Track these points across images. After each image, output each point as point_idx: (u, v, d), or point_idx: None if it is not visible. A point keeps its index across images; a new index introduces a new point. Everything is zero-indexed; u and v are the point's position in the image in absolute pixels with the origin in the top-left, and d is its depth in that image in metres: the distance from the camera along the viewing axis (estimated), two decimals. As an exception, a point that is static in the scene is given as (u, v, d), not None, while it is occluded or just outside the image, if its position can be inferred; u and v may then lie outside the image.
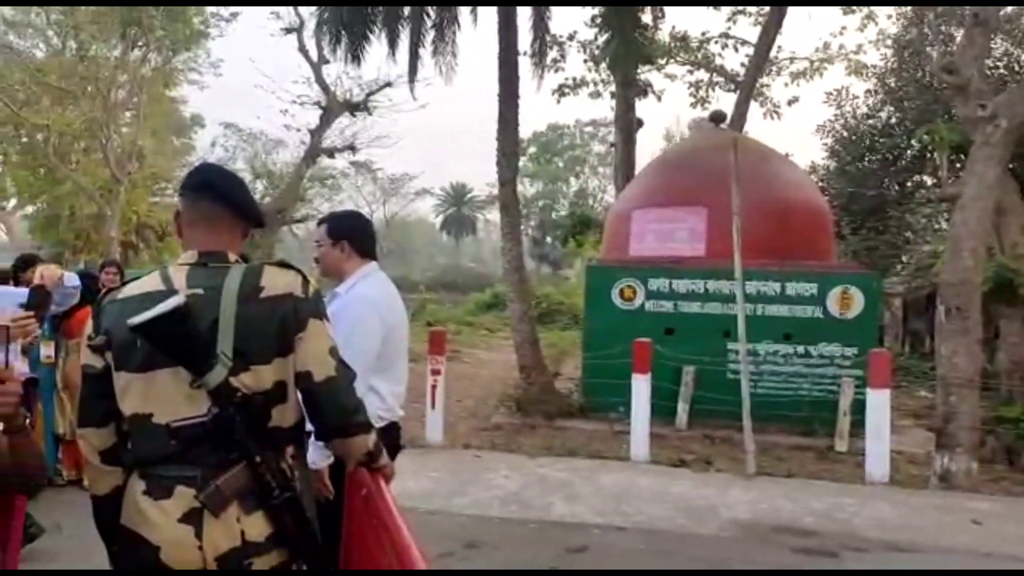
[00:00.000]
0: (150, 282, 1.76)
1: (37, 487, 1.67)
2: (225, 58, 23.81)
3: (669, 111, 64.31)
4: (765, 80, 16.94)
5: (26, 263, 4.64)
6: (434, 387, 7.00)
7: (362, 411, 1.81)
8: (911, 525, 4.99)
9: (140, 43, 19.63)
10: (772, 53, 14.82)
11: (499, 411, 8.53)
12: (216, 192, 1.81)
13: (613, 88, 15.49)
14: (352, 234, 2.75)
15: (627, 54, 10.49)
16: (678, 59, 17.29)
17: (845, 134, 15.92)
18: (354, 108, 23.87)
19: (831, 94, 16.38)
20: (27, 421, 1.53)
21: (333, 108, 23.64)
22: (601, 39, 13.12)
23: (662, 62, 16.91)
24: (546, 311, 18.84)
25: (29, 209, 23.84)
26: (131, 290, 1.76)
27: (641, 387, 6.65)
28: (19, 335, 2.57)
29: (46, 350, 4.89)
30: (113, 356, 1.72)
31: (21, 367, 2.10)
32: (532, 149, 46.10)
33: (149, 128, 21.39)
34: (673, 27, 16.98)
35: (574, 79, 16.89)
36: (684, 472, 6.18)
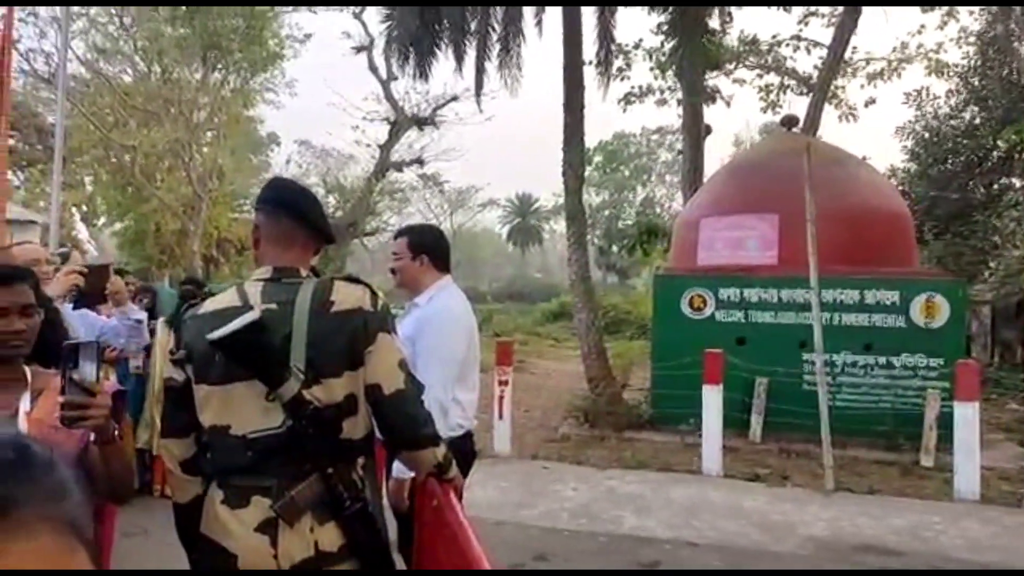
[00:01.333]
0: (227, 297, 1.82)
1: (127, 495, 1.74)
2: (299, 78, 24.67)
3: (738, 116, 63.10)
4: (840, 82, 16.42)
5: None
6: (501, 398, 7.02)
7: (431, 423, 1.83)
8: (1004, 545, 4.71)
9: (220, 66, 20.51)
10: (847, 54, 14.37)
11: (566, 422, 8.48)
12: (295, 211, 1.87)
13: (680, 95, 15.29)
14: (430, 248, 2.80)
15: (694, 60, 10.35)
16: (747, 63, 16.96)
17: (926, 136, 15.26)
18: (421, 122, 24.31)
19: (910, 95, 15.74)
20: (115, 432, 1.60)
21: (401, 123, 24.13)
22: (667, 46, 12.99)
23: (731, 67, 16.61)
24: (613, 321, 18.66)
25: (118, 226, 25.11)
26: (210, 305, 1.83)
27: (713, 399, 6.51)
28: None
29: (135, 362, 5.12)
30: (193, 369, 1.78)
31: (111, 380, 2.19)
32: (597, 158, 45.84)
33: (228, 147, 22.28)
34: (742, 31, 16.67)
35: (640, 87, 16.78)
36: (759, 487, 6.00)
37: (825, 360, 6.40)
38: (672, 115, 40.64)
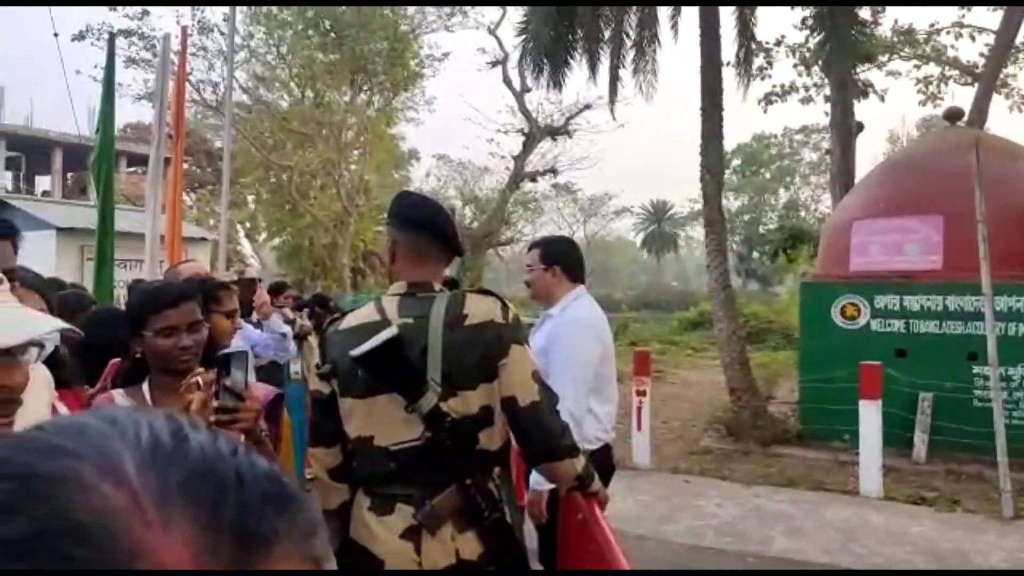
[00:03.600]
0: (366, 312, 1.89)
1: None
2: (438, 95, 25.58)
3: (893, 111, 58.84)
4: (1010, 70, 14.95)
5: (276, 289, 5.25)
6: (640, 408, 6.90)
7: (568, 435, 1.81)
8: None
9: (365, 88, 21.65)
10: (1018, 39, 13.06)
11: (708, 434, 8.20)
12: (433, 229, 1.91)
13: (827, 91, 14.48)
14: (563, 259, 2.80)
15: (843, 54, 9.77)
16: (902, 54, 15.82)
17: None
18: (555, 132, 24.48)
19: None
20: (263, 434, 1.70)
21: (535, 134, 24.40)
22: (812, 41, 12.35)
23: (884, 59, 15.54)
24: (755, 330, 17.86)
25: (276, 241, 27.01)
26: (351, 321, 1.90)
27: (870, 414, 6.06)
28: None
29: (295, 367, 5.46)
30: (338, 383, 1.86)
31: (264, 386, 2.35)
32: (736, 161, 44.31)
33: (374, 164, 23.43)
34: (896, 21, 15.57)
35: (782, 85, 16.04)
36: (925, 511, 5.52)
37: (1000, 374, 5.81)
38: (818, 113, 38.59)
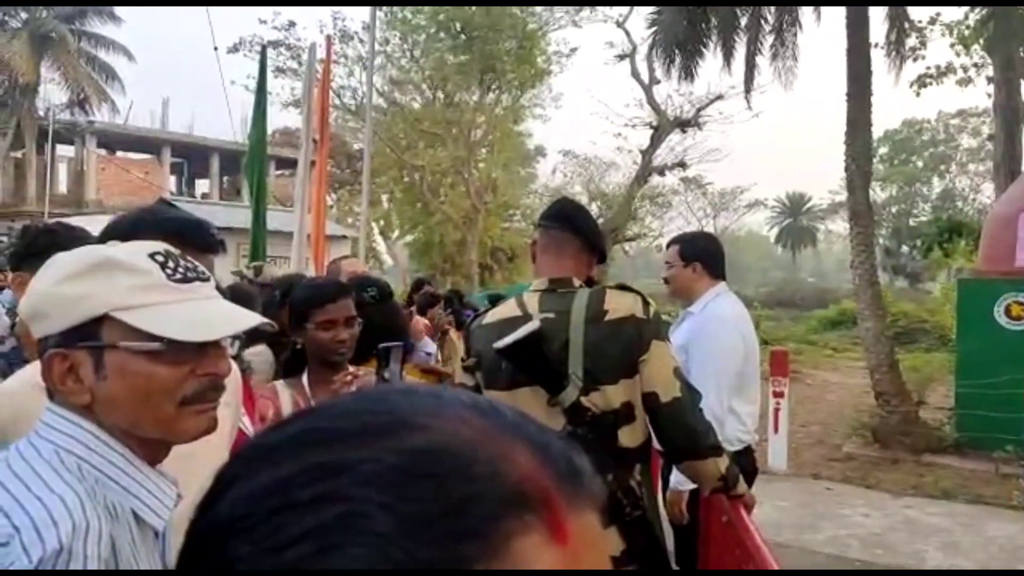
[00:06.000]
0: (509, 308, 1.93)
1: None
2: (564, 91, 25.61)
3: (1066, 90, 53.07)
4: None
5: (417, 286, 5.50)
6: (777, 410, 6.62)
7: (712, 433, 1.78)
8: None
9: (494, 86, 22.03)
10: None
11: (851, 440, 7.76)
12: (566, 223, 1.93)
13: (990, 72, 13.28)
14: (704, 255, 2.74)
15: (1009, 31, 8.92)
16: (1081, 26, 14.21)
17: None
18: (684, 125, 23.86)
19: None
20: None
21: (664, 127, 23.91)
22: (973, 18, 11.37)
23: (1057, 33, 14.04)
24: (905, 330, 16.66)
25: (409, 238, 28.02)
26: (494, 316, 1.95)
27: (1040, 424, 5.53)
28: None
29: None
30: (482, 376, 1.91)
31: (414, 379, 2.46)
32: (883, 149, 41.47)
33: (501, 161, 23.80)
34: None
35: (937, 67, 14.83)
36: (1107, 533, 4.98)
37: None
38: (978, 95, 35.59)
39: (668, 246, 2.92)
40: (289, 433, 0.37)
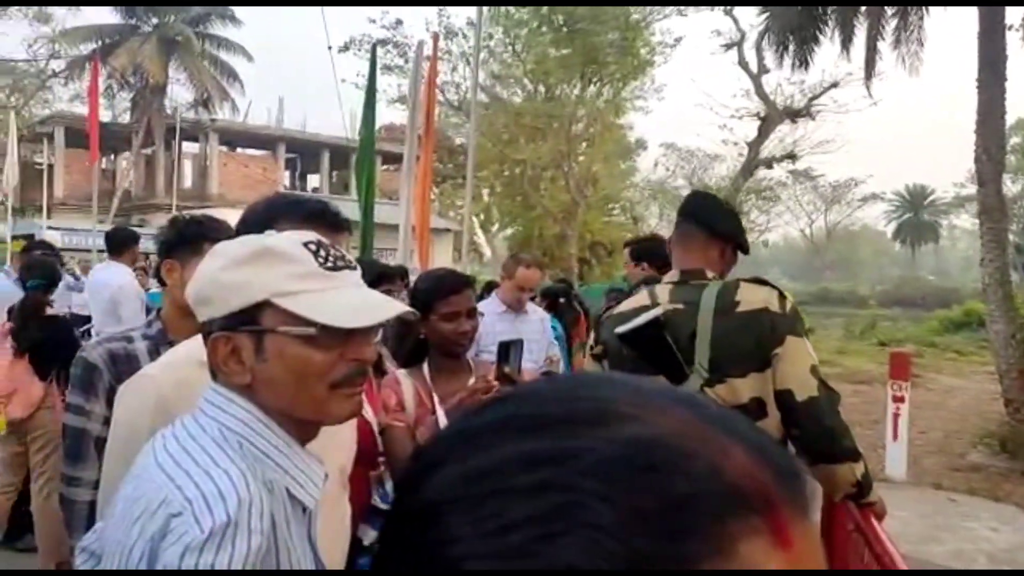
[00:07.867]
0: (639, 298, 1.93)
1: None
2: (667, 82, 25.08)
3: None
4: None
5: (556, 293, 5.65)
6: (896, 415, 6.28)
7: (849, 436, 1.71)
8: None
9: (595, 79, 21.84)
10: None
11: (977, 449, 7.28)
12: (692, 215, 1.91)
13: None
14: (648, 255, 3.17)
15: None
16: None
17: None
18: (795, 115, 22.89)
19: None
20: None
21: (772, 117, 23.02)
22: None
23: None
24: (1039, 334, 15.43)
25: (508, 232, 28.27)
26: (625, 306, 1.95)
27: None
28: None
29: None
30: (608, 364, 1.92)
31: (531, 372, 2.49)
32: (1015, 139, 38.44)
33: (601, 155, 23.62)
34: None
35: (1084, 48, 13.60)
36: None
37: None
38: None
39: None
40: (493, 418, 0.37)
